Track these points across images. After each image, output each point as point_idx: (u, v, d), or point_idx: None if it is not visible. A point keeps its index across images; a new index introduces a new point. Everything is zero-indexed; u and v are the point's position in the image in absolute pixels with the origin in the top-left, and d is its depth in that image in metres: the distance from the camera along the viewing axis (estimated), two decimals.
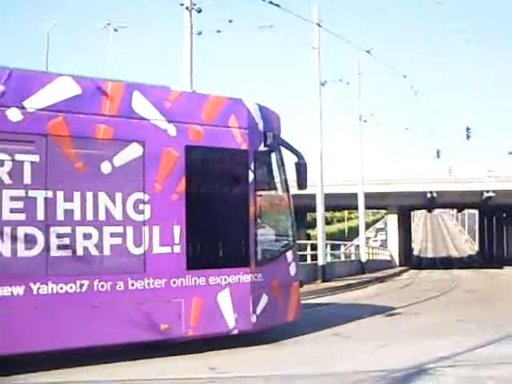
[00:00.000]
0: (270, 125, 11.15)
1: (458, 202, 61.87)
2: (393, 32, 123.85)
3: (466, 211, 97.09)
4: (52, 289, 8.71)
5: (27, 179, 8.66)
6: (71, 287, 8.84)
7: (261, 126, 10.91)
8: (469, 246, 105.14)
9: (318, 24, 26.16)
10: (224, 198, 10.78)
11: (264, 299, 10.64)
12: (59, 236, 8.90)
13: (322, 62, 27.55)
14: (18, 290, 8.45)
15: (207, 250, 10.43)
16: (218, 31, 21.92)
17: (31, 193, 8.69)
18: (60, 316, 8.71)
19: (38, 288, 8.61)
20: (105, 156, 9.35)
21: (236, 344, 9.87)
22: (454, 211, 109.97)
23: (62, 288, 8.78)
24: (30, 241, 8.63)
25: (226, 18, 21.60)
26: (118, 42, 40.76)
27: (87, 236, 9.11)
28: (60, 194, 8.94)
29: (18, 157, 8.63)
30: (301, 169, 11.83)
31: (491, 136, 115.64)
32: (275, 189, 11.87)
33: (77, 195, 9.06)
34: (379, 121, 37.58)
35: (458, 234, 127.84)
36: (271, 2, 19.51)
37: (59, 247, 8.87)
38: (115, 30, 56.36)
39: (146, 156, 9.65)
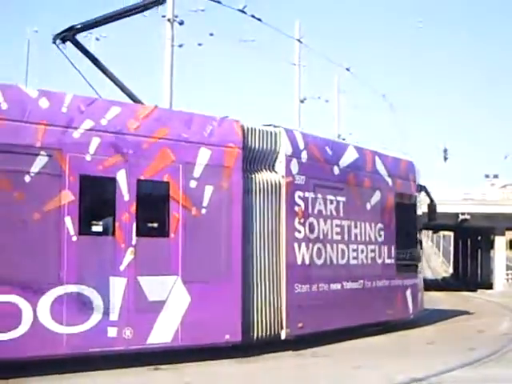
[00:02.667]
0: (419, 176, 18.06)
1: (433, 224, 61.49)
2: (373, 51, 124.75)
3: (442, 233, 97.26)
4: (349, 286, 14.64)
5: (340, 212, 14.59)
6: (356, 285, 14.93)
7: (418, 179, 17.93)
8: (444, 269, 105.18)
9: (298, 40, 26.37)
10: (407, 230, 17.17)
11: (418, 296, 17.58)
12: (353, 250, 14.97)
13: (302, 79, 27.74)
14: (337, 286, 14.23)
15: (403, 264, 16.72)
16: (199, 44, 22.35)
17: (342, 222, 14.62)
18: (350, 304, 14.36)
19: (345, 285, 14.53)
20: (367, 198, 15.63)
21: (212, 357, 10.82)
22: (430, 233, 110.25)
23: (352, 285, 14.73)
24: (342, 254, 14.63)
25: (208, 31, 22.33)
26: (100, 51, 39.84)
27: (363, 251, 15.31)
28: (352, 223, 14.95)
29: (335, 198, 14.44)
30: (433, 208, 19.50)
31: (468, 159, 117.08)
32: (420, 224, 18.20)
33: (358, 223, 15.16)
34: (358, 140, 36.98)
35: (433, 256, 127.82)
36: (253, 16, 19.56)
37: (353, 258, 15.00)
38: (97, 39, 56.37)
39: (381, 199, 16.05)
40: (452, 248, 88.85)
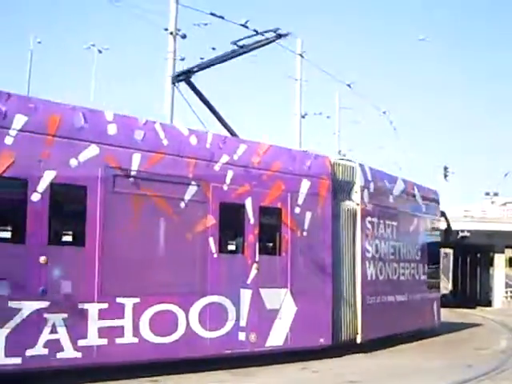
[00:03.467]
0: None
1: None
2: (375, 67, 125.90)
3: (442, 250, 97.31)
4: (399, 298, 17.21)
5: (394, 235, 17.07)
6: (404, 297, 17.49)
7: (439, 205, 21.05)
8: (443, 286, 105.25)
9: (300, 55, 26.26)
10: (433, 250, 20.08)
11: (439, 309, 20.36)
12: (402, 268, 17.54)
13: (303, 94, 27.39)
14: (392, 298, 16.80)
15: (431, 280, 19.62)
16: (201, 58, 21.98)
17: (395, 243, 17.15)
18: (401, 313, 16.93)
19: (396, 298, 17.04)
20: (410, 222, 18.35)
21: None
22: None
23: (400, 298, 17.30)
24: (394, 271, 17.09)
25: (210, 45, 20.99)
26: (102, 63, 40.54)
27: (407, 268, 17.90)
28: (401, 244, 17.53)
29: (391, 222, 16.94)
30: (450, 232, 22.78)
31: (468, 177, 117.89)
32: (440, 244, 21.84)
33: (404, 244, 17.73)
34: (358, 157, 37.15)
35: None
36: (255, 31, 18.56)
37: (402, 275, 17.53)
38: (99, 51, 56.43)
39: (418, 222, 18.87)
40: (451, 265, 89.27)
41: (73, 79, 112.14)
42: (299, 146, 25.74)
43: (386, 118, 31.11)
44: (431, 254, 19.72)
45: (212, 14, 17.69)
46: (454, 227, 48.22)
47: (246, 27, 18.05)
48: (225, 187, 12.22)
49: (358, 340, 14.97)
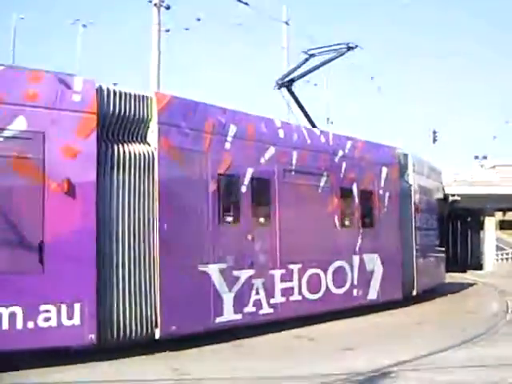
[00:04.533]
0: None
1: None
2: (360, 33, 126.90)
3: None
4: (433, 260, 21.60)
5: (428, 209, 21.13)
6: (435, 259, 21.97)
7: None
8: None
9: (286, 23, 26.59)
10: (440, 219, 23.06)
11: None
12: (431, 235, 21.74)
13: (290, 62, 26.41)
14: (433, 260, 21.59)
15: (441, 243, 23.11)
16: (186, 29, 22.67)
17: (425, 214, 20.50)
18: (435, 270, 21.81)
19: (432, 259, 21.45)
20: (434, 197, 22.77)
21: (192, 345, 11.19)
22: None
23: (434, 259, 21.70)
24: (428, 238, 20.99)
25: (194, 15, 22.51)
26: (86, 37, 39.84)
27: (433, 235, 21.99)
28: (426, 215, 20.75)
29: (428, 199, 21.40)
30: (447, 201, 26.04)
31: (457, 140, 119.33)
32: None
33: (430, 215, 21.62)
34: (347, 123, 40.65)
35: None
36: (240, 1, 20.00)
37: (431, 240, 21.64)
38: (84, 25, 57.29)
39: (437, 198, 23.23)
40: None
41: (58, 55, 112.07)
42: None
43: (373, 83, 31.44)
44: (440, 221, 23.26)
45: None
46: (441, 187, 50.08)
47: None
48: (341, 175, 15.70)
49: (414, 293, 18.64)
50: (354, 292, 15.67)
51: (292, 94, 17.73)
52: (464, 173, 59.97)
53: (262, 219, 13.28)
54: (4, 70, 9.69)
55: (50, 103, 9.62)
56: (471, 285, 27.05)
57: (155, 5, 19.52)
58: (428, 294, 19.66)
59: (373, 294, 16.29)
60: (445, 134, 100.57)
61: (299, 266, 13.87)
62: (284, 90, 17.61)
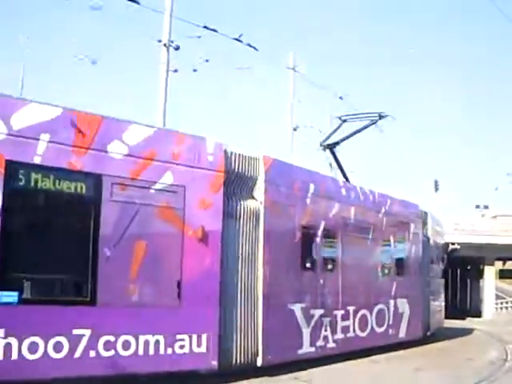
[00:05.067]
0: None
1: None
2: (366, 80, 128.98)
3: None
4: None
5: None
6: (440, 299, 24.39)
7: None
8: None
9: (293, 69, 26.96)
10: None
11: None
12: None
13: (296, 107, 27.78)
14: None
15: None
16: (195, 70, 21.96)
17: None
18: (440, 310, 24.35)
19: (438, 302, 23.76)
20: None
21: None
22: None
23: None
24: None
25: (204, 57, 21.80)
26: (95, 73, 39.37)
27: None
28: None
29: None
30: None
31: (459, 190, 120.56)
32: None
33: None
34: (352, 170, 37.05)
35: None
36: (249, 45, 19.62)
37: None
38: (93, 62, 59.27)
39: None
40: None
41: (65, 89, 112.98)
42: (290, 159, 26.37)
43: (379, 131, 32.40)
44: (443, 270, 25.81)
45: (205, 27, 18.33)
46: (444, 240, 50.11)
47: (240, 41, 19.17)
48: (383, 230, 17.97)
49: (428, 333, 20.94)
50: (390, 331, 17.82)
51: (334, 155, 20.37)
52: (465, 221, 60.26)
53: (329, 266, 15.43)
54: (157, 131, 11.44)
55: (190, 162, 11.34)
56: (470, 332, 27.08)
57: (164, 45, 19.53)
58: (430, 340, 20.70)
59: (402, 333, 18.48)
60: (447, 182, 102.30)
61: (354, 307, 16.06)
62: (328, 151, 20.33)
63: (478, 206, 78.84)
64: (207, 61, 21.68)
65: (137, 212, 10.60)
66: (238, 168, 12.53)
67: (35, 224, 9.69)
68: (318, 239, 14.77)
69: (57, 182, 9.76)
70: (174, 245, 11.03)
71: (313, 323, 14.29)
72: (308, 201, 14.41)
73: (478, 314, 54.72)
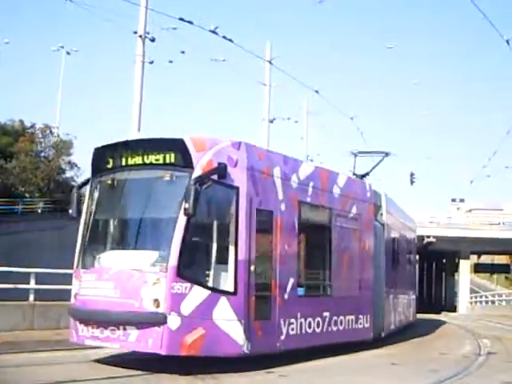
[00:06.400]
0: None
1: None
2: (342, 74, 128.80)
3: None
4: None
5: None
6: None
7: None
8: None
9: (269, 61, 26.73)
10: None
11: None
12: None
13: (272, 99, 27.83)
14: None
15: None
16: (170, 61, 22.68)
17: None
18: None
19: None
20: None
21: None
22: None
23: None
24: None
25: (179, 48, 22.20)
26: (70, 65, 39.64)
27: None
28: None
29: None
30: None
31: (435, 183, 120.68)
32: None
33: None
34: (324, 161, 36.70)
35: None
36: (225, 37, 19.79)
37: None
38: (68, 53, 57.40)
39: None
40: (417, 271, 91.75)
41: (40, 80, 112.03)
42: None
43: (353, 124, 31.45)
44: (412, 263, 26.03)
45: (181, 19, 18.27)
46: (419, 233, 50.29)
47: (216, 33, 19.49)
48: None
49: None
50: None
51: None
52: (440, 215, 61.79)
53: None
54: (350, 179, 17.90)
55: (362, 197, 17.26)
56: (445, 326, 27.58)
57: (140, 36, 19.57)
58: (401, 335, 19.44)
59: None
60: (424, 176, 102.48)
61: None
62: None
63: (453, 200, 79.38)
64: (183, 52, 21.92)
65: (345, 233, 15.93)
66: (378, 200, 18.84)
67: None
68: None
69: (316, 214, 15.22)
70: (357, 255, 16.54)
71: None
72: None
73: (453, 309, 55.72)
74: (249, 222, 12.08)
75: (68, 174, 49.48)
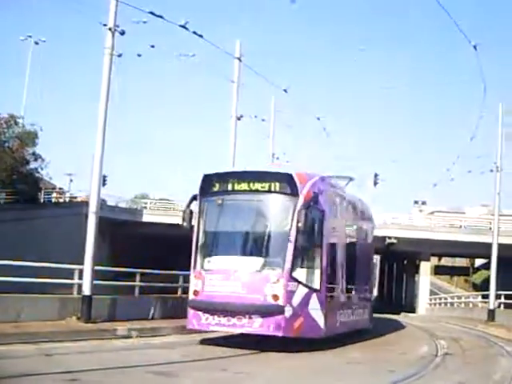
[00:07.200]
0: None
1: None
2: (311, 75, 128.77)
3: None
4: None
5: None
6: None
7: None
8: None
9: (238, 58, 26.47)
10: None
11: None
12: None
13: (240, 96, 27.28)
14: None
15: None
16: (139, 55, 21.56)
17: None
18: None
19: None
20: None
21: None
22: None
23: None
24: None
25: (148, 42, 21.27)
26: (38, 55, 38.95)
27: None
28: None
29: None
30: None
31: (399, 185, 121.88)
32: None
33: None
34: (290, 159, 35.55)
35: None
36: (195, 33, 19.84)
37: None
38: (36, 43, 56.86)
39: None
40: (378, 271, 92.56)
41: (7, 70, 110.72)
42: (234, 148, 26.49)
43: (320, 124, 31.40)
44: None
45: (151, 13, 18.12)
46: (381, 233, 50.33)
47: (186, 28, 19.32)
48: None
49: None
50: None
51: None
52: (402, 216, 61.99)
53: None
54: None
55: None
56: (404, 327, 27.37)
57: (109, 29, 18.94)
58: (358, 335, 19.00)
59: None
60: (387, 177, 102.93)
61: None
62: None
63: (416, 202, 79.72)
64: (153, 46, 21.12)
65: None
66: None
67: None
68: None
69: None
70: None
71: None
72: None
73: (413, 310, 55.65)
74: (328, 237, 16.33)
75: (32, 166, 48.97)
